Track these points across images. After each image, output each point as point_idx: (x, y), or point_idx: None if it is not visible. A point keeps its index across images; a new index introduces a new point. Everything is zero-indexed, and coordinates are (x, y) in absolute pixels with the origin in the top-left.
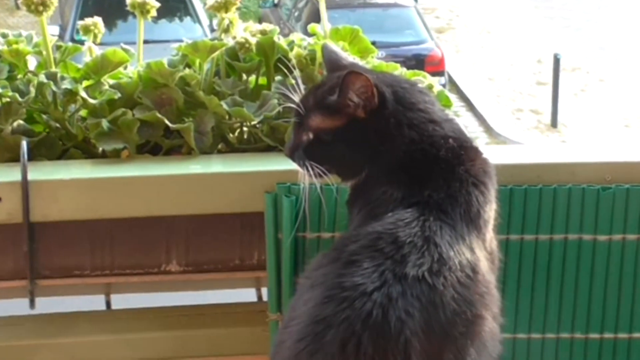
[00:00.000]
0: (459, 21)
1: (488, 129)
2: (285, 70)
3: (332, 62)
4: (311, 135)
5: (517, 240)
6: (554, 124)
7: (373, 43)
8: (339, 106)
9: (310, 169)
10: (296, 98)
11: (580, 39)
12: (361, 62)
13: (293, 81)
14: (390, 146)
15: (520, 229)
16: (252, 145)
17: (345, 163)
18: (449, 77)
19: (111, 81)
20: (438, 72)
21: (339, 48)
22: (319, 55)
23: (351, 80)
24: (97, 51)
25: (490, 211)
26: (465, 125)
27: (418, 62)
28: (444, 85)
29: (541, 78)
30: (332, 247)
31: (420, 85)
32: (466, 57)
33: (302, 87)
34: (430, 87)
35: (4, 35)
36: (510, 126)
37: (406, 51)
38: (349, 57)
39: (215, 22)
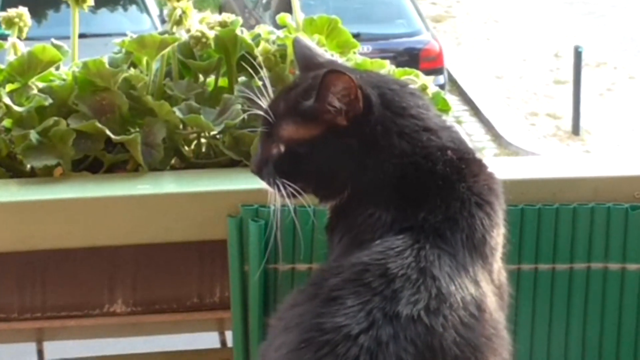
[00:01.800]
0: (459, 8)
1: (496, 138)
2: (251, 70)
3: (306, 60)
4: (282, 148)
5: (531, 270)
6: (575, 130)
7: (356, 35)
8: (316, 112)
9: (281, 187)
10: (264, 103)
11: (605, 28)
12: (340, 60)
13: (260, 82)
14: (377, 159)
15: (533, 257)
16: (211, 159)
17: (324, 180)
18: (449, 75)
19: (40, 84)
20: (435, 69)
21: (313, 43)
22: (290, 51)
23: (331, 81)
24: (23, 48)
25: (498, 236)
26: (468, 133)
27: (411, 57)
28: (442, 86)
29: (560, 75)
30: (309, 281)
31: (412, 86)
32: (469, 51)
33: (270, 89)
34: (423, 88)
35: None
36: (523, 134)
37: (397, 45)
38: (326, 53)
39: (166, 12)
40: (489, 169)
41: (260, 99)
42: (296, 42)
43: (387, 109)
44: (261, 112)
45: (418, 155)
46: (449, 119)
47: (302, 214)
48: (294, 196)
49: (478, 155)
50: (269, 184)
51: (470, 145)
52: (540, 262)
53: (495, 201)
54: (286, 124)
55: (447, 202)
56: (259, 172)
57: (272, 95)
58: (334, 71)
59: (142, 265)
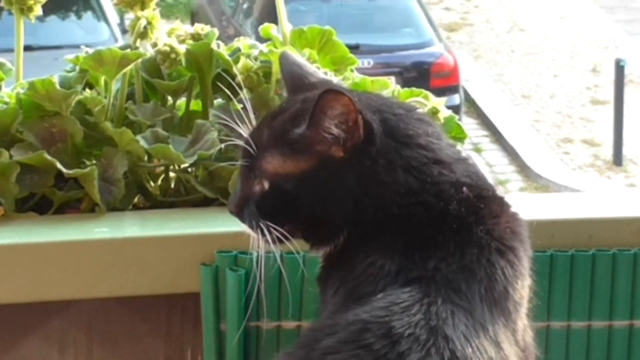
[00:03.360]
0: (478, 14)
1: (522, 169)
2: (228, 91)
3: (295, 80)
4: (266, 185)
5: (562, 328)
6: (617, 160)
7: (354, 48)
8: (307, 142)
9: (265, 231)
10: (244, 131)
11: None
12: (336, 79)
13: (239, 106)
14: (379, 198)
15: (565, 312)
16: (182, 197)
17: (316, 223)
18: (466, 94)
19: None
20: (449, 87)
21: (303, 59)
22: (276, 68)
23: (328, 103)
24: None
25: (523, 289)
26: (488, 163)
27: (420, 73)
28: (458, 107)
29: (598, 94)
30: (298, 342)
31: (419, 110)
32: (490, 66)
33: (252, 114)
34: (434, 112)
35: None
36: (554, 164)
37: (403, 58)
38: (319, 71)
39: (127, 22)
40: (512, 209)
41: (240, 126)
42: (283, 58)
43: (391, 138)
44: (241, 142)
45: (427, 193)
46: (464, 150)
47: (290, 262)
48: (280, 241)
49: (499, 192)
50: (250, 227)
51: (490, 180)
52: (574, 319)
53: (520, 247)
54: (271, 156)
55: (462, 248)
56: (239, 213)
57: (254, 121)
58: (332, 91)
59: (98, 323)
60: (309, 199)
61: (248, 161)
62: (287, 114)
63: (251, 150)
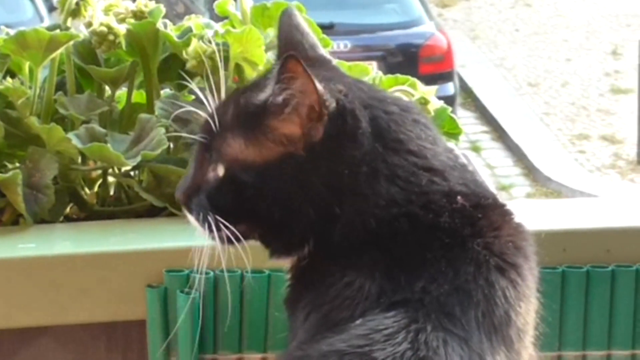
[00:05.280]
0: None
1: (529, 171)
2: (179, 79)
3: (291, 46)
4: (221, 170)
5: (577, 358)
6: None
7: (329, 27)
8: (272, 127)
9: (214, 227)
10: (197, 123)
11: None
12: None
13: (191, 97)
14: (354, 210)
15: (580, 340)
16: (123, 206)
17: (275, 226)
18: (461, 82)
19: None
20: (441, 74)
21: (307, 26)
22: (234, 51)
23: (291, 78)
24: None
25: (528, 314)
26: (489, 164)
27: (407, 58)
28: (452, 98)
29: (619, 82)
30: None
31: (416, 109)
32: (490, 49)
33: (209, 104)
34: (422, 103)
35: None
36: (568, 165)
37: (387, 40)
38: (321, 47)
39: None
40: (516, 219)
41: (195, 117)
42: (286, 17)
43: (379, 141)
44: (194, 136)
45: (413, 205)
46: (460, 154)
47: (254, 281)
48: (231, 242)
49: (500, 200)
50: (197, 219)
51: (492, 187)
52: (590, 348)
53: (524, 264)
54: (232, 137)
55: (455, 266)
56: (186, 202)
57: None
58: (293, 60)
59: (26, 357)
60: (269, 197)
61: (206, 138)
62: (258, 89)
63: (213, 128)
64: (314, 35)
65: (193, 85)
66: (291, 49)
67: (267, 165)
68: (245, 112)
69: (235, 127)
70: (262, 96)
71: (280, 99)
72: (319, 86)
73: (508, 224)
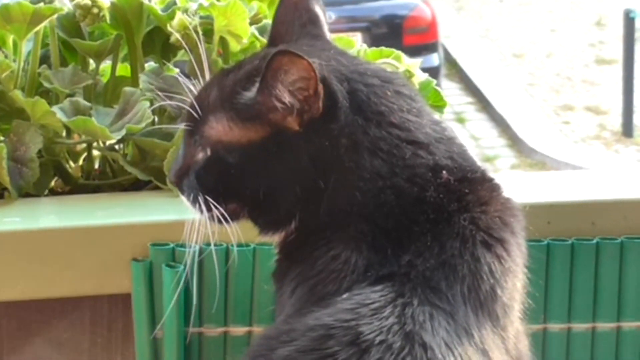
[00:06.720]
0: None
1: (514, 142)
2: (163, 52)
3: (290, 26)
4: (208, 151)
5: (562, 331)
6: (627, 130)
7: None
8: (258, 108)
9: (203, 207)
10: (184, 96)
11: None
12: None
13: (176, 70)
14: (339, 183)
15: (565, 313)
16: (108, 180)
17: (261, 204)
18: (446, 54)
19: None
20: (426, 45)
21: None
22: (218, 25)
23: (282, 67)
24: None
25: (514, 289)
26: (474, 136)
27: (392, 29)
28: (437, 69)
29: (604, 52)
30: (249, 352)
31: (400, 81)
32: (474, 20)
33: (194, 80)
34: (407, 75)
35: None
36: (552, 136)
37: (371, 11)
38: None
39: None
40: (504, 193)
41: (180, 92)
42: None
43: (359, 114)
44: (180, 106)
45: (398, 178)
46: (449, 127)
47: (239, 255)
48: (221, 222)
49: (488, 174)
50: (188, 200)
51: (478, 162)
52: (575, 320)
53: (511, 239)
54: (216, 120)
55: (441, 241)
56: (178, 183)
57: (194, 87)
58: (286, 52)
59: (9, 330)
60: (254, 176)
61: (191, 125)
62: (242, 71)
63: (196, 113)
64: (323, 14)
65: (182, 57)
66: (286, 29)
67: (251, 145)
68: (230, 98)
69: (219, 110)
70: (252, 92)
71: (271, 95)
72: (320, 71)
73: (496, 199)
